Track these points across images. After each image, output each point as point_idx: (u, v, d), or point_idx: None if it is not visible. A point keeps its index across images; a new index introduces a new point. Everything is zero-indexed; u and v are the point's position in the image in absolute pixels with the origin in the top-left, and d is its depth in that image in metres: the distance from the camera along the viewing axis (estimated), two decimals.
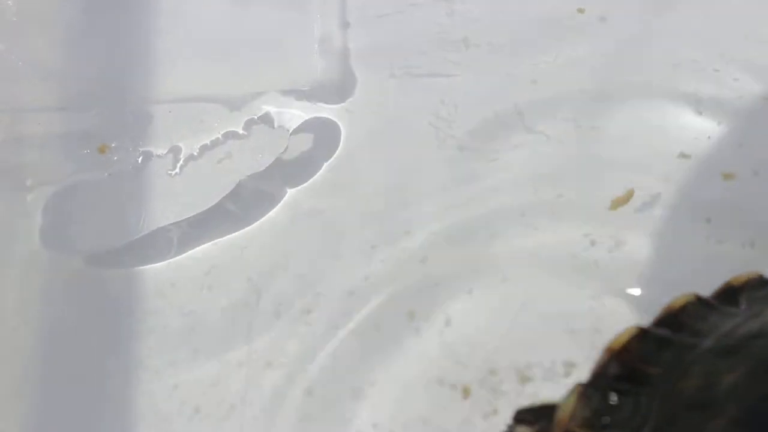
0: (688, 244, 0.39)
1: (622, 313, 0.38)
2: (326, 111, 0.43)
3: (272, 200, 0.41)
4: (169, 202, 0.41)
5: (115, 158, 0.42)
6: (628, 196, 0.40)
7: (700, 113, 0.41)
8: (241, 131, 0.43)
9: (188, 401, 0.37)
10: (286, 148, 0.42)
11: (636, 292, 0.38)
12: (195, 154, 0.42)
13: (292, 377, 0.37)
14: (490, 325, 0.38)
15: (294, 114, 0.43)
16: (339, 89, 0.43)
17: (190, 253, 0.40)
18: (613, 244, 0.39)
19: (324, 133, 0.43)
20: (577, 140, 0.42)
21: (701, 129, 0.41)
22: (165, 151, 0.42)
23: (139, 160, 0.42)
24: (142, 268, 0.40)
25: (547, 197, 0.41)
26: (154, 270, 0.40)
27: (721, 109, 0.41)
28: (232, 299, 0.39)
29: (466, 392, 0.37)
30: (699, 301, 0.28)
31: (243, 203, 0.41)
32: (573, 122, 0.42)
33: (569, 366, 0.37)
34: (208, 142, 0.43)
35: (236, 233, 0.40)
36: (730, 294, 0.29)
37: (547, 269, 0.39)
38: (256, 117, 0.43)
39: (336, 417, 0.37)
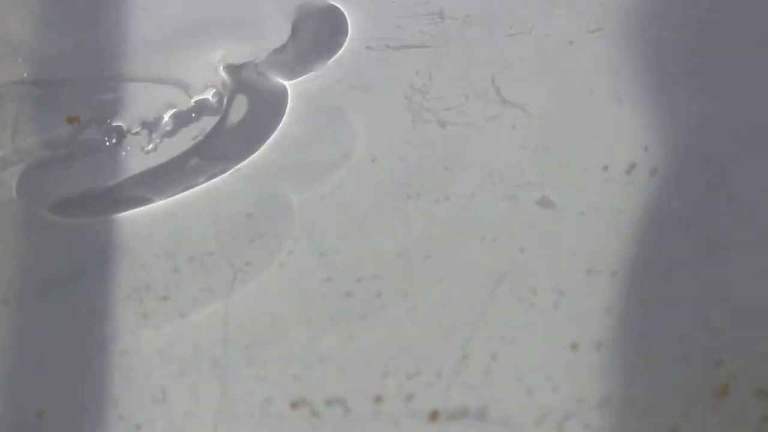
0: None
1: None
2: (302, 85, 0.43)
3: (244, 171, 0.41)
4: (143, 177, 0.41)
5: (90, 134, 0.42)
6: None
7: None
8: (216, 108, 0.43)
9: (163, 353, 0.38)
10: (263, 123, 0.42)
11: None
12: (169, 130, 0.42)
13: (266, 334, 0.38)
14: None
15: (271, 89, 0.43)
16: (315, 63, 0.43)
17: (162, 210, 0.40)
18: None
19: (300, 107, 0.42)
20: (555, 114, 0.41)
21: None
22: (139, 128, 0.42)
23: (114, 136, 0.42)
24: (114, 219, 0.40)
25: (527, 172, 0.40)
26: (127, 223, 0.40)
27: None
28: (202, 259, 0.39)
29: None
30: None
31: (214, 174, 0.41)
32: (550, 96, 0.42)
33: None
34: (183, 119, 0.42)
35: (206, 201, 0.40)
36: None
37: None
38: (232, 93, 0.43)
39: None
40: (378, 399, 0.37)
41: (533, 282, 0.38)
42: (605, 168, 0.40)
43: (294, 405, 0.37)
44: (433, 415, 0.36)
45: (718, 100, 0.41)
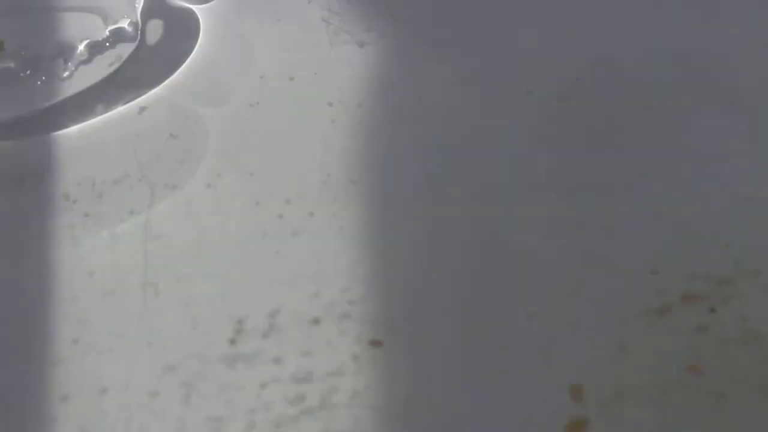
0: None
1: None
2: (217, 9, 0.43)
3: (162, 96, 0.41)
4: (61, 104, 0.41)
5: (4, 64, 0.42)
6: None
7: None
8: (132, 35, 0.42)
9: (98, 276, 0.37)
10: (179, 48, 0.42)
11: None
12: (85, 58, 0.42)
13: (184, 252, 0.38)
14: None
15: (184, 14, 0.43)
16: None
17: (80, 134, 0.40)
18: None
19: (215, 31, 0.42)
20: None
21: None
22: (55, 55, 0.42)
23: (29, 66, 0.42)
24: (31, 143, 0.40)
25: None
26: (45, 148, 0.40)
27: None
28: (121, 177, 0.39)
29: None
30: None
31: (132, 99, 0.41)
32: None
33: None
34: (98, 47, 0.42)
35: (125, 125, 0.40)
36: None
37: None
38: (147, 20, 0.43)
39: None
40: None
41: None
42: None
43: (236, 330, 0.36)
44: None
45: None
